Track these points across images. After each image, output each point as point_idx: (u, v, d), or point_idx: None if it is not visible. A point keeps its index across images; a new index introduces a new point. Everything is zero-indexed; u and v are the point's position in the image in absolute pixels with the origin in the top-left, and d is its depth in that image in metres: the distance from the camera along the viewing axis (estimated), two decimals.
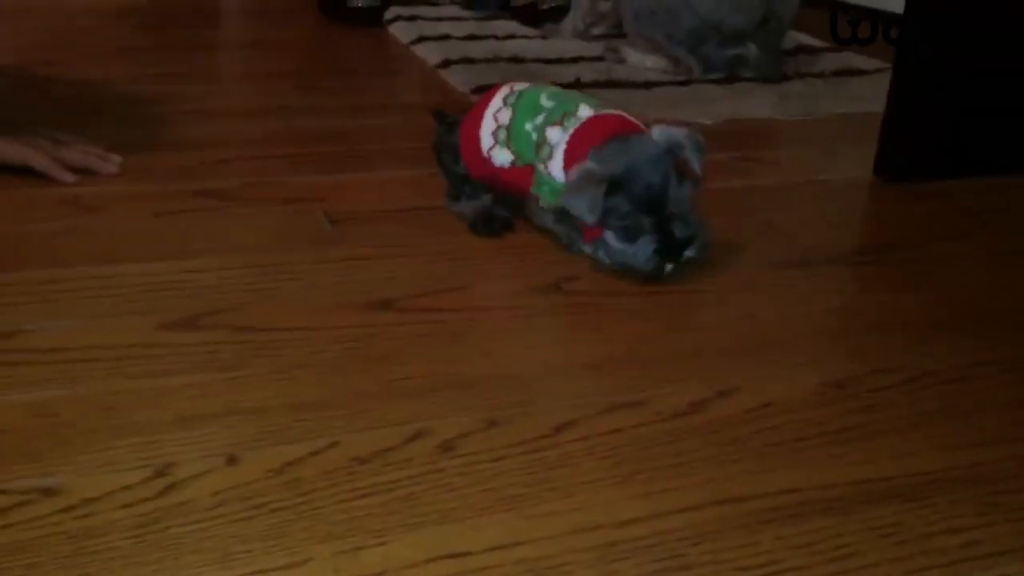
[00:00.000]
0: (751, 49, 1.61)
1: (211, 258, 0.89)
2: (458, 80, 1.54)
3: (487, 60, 1.65)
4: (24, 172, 1.03)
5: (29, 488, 0.58)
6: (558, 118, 0.91)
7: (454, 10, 2.07)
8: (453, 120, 1.02)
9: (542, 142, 0.91)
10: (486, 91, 1.00)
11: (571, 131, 0.90)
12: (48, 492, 0.58)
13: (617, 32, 1.85)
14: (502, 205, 0.99)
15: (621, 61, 1.68)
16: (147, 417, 0.65)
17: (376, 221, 1.01)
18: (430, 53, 1.71)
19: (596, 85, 1.53)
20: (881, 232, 1.09)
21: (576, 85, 1.52)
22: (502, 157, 0.94)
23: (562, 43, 1.81)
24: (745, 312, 0.86)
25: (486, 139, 0.95)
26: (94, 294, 0.82)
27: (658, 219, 0.85)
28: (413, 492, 0.59)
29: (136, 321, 0.78)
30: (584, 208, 0.84)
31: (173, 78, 1.55)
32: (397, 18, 1.95)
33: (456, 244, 0.95)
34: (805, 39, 1.87)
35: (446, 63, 1.63)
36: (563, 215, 0.90)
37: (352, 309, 0.82)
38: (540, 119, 0.92)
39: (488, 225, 0.97)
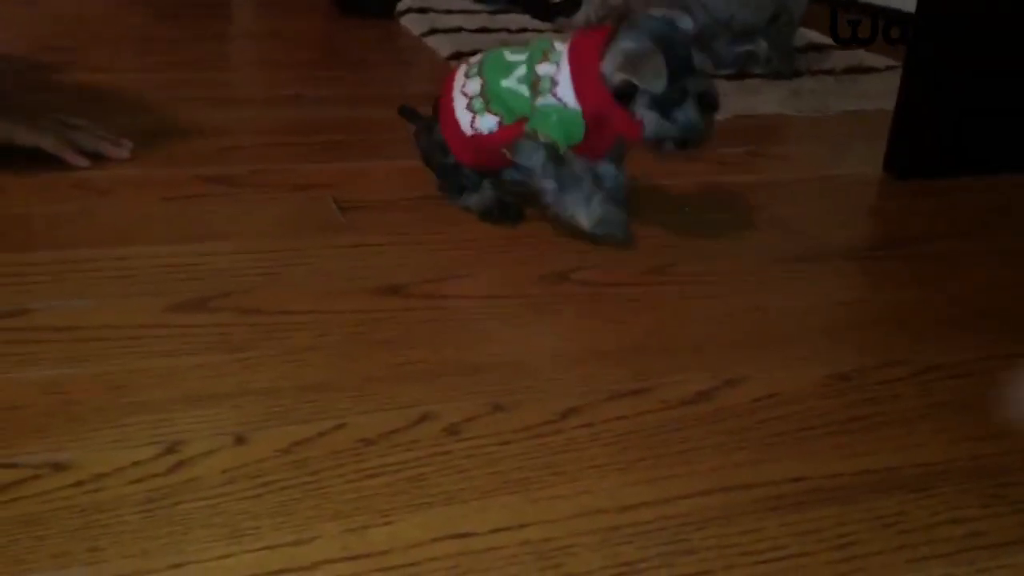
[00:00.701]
0: (762, 45, 1.61)
1: (221, 242, 0.90)
2: None
3: None
4: (37, 156, 1.04)
5: (40, 463, 0.58)
6: (539, 58, 0.91)
7: (466, 3, 2.07)
8: (429, 119, 1.00)
9: (535, 81, 0.91)
10: (448, 76, 0.99)
11: (564, 55, 0.90)
12: (59, 467, 0.58)
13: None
14: (508, 194, 0.99)
15: None
16: (157, 396, 0.66)
17: (386, 209, 1.01)
18: (441, 45, 1.71)
19: None
20: (890, 228, 1.09)
21: None
22: (487, 123, 0.93)
23: None
24: (753, 304, 0.86)
25: (464, 116, 0.94)
26: (105, 275, 0.83)
27: (690, 83, 0.88)
28: (419, 473, 0.60)
29: (147, 302, 0.78)
30: (652, 77, 0.85)
31: (184, 66, 1.55)
32: (409, 10, 1.95)
33: (465, 233, 0.96)
34: (816, 36, 1.87)
35: (457, 55, 1.63)
36: (553, 151, 0.90)
37: (361, 294, 0.82)
38: (520, 71, 0.92)
39: (504, 212, 0.98)
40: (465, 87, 0.94)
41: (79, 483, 0.57)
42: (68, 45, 1.62)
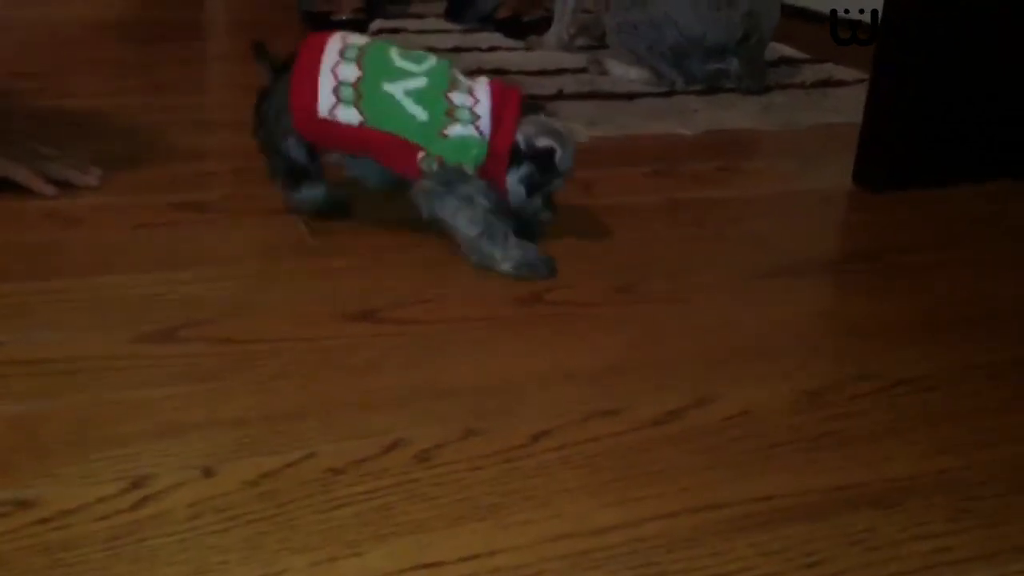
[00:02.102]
0: (733, 63, 1.62)
1: (191, 270, 0.89)
2: None
3: (470, 72, 1.65)
4: (4, 185, 1.03)
5: (5, 500, 0.58)
6: (446, 85, 0.91)
7: (439, 22, 2.08)
8: (278, 76, 0.95)
9: (450, 109, 0.90)
10: (312, 40, 0.94)
11: (485, 93, 0.92)
12: (24, 504, 0.58)
13: (599, 44, 1.86)
14: (338, 189, 1.00)
15: (604, 73, 1.69)
16: (125, 429, 0.65)
17: (357, 233, 1.01)
18: None
19: (579, 96, 1.54)
20: (860, 241, 1.10)
21: (559, 96, 1.53)
22: (349, 116, 0.91)
23: (545, 55, 1.82)
24: (725, 321, 0.87)
25: (326, 97, 0.91)
26: (75, 306, 0.82)
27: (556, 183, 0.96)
28: (388, 502, 0.60)
29: (116, 333, 0.78)
30: (569, 153, 0.94)
31: (157, 90, 1.55)
32: (381, 31, 1.96)
33: (437, 255, 0.96)
34: (787, 51, 1.89)
35: None
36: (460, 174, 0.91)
37: (332, 320, 0.82)
38: (412, 85, 0.90)
39: (334, 210, 1.00)
40: (338, 68, 0.90)
41: (44, 520, 0.57)
42: (37, 71, 1.61)
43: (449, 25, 2.05)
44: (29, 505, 0.58)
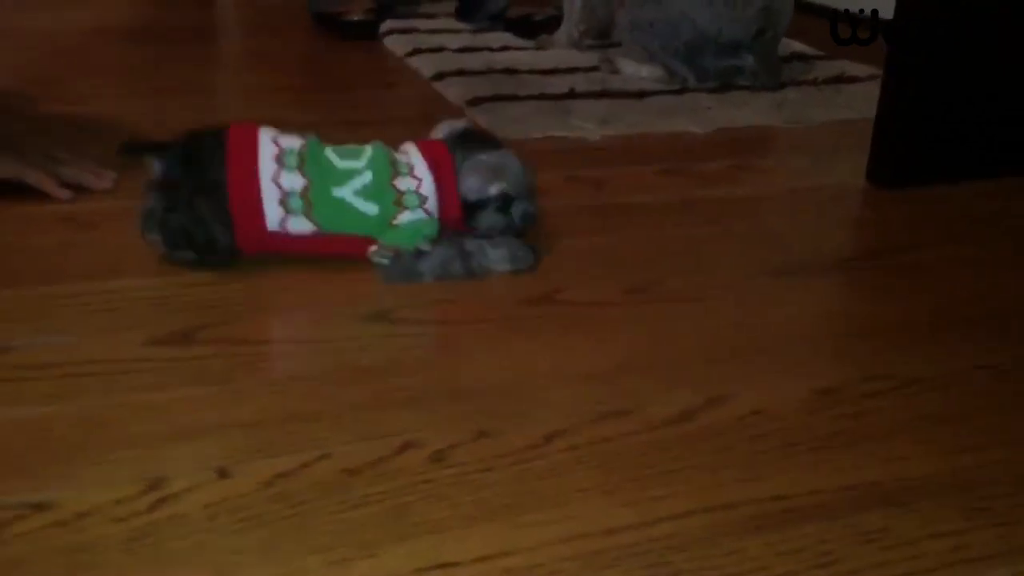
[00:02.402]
0: (748, 60, 1.62)
1: (204, 272, 0.90)
2: (452, 93, 1.55)
3: (481, 72, 1.65)
4: (20, 189, 1.04)
5: (22, 503, 0.58)
6: (389, 172, 0.89)
7: (450, 22, 2.08)
8: (186, 155, 0.88)
9: (398, 198, 0.88)
10: (238, 140, 0.87)
11: (421, 167, 0.90)
12: (41, 507, 0.58)
13: (607, 42, 1.86)
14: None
15: (616, 71, 1.69)
16: (140, 431, 0.66)
17: None
18: (424, 65, 1.72)
19: (590, 95, 1.54)
20: (873, 238, 1.10)
21: (570, 95, 1.53)
22: (301, 226, 0.87)
23: (557, 54, 1.82)
24: (737, 320, 0.87)
25: (273, 211, 0.86)
26: (89, 309, 0.83)
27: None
28: (403, 503, 0.60)
29: (130, 336, 0.78)
30: (519, 180, 0.93)
31: (168, 93, 1.56)
32: (392, 31, 1.96)
33: None
34: (799, 47, 1.88)
35: (440, 76, 1.64)
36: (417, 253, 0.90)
37: (345, 321, 0.83)
38: (358, 182, 0.88)
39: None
40: (280, 178, 0.86)
41: (62, 523, 0.57)
42: (50, 76, 1.62)
43: (459, 25, 2.05)
44: (46, 508, 0.58)
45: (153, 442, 0.65)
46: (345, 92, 1.64)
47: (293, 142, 0.89)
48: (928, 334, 0.85)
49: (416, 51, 1.81)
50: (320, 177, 0.87)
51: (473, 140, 0.95)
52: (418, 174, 0.90)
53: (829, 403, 0.74)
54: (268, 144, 0.88)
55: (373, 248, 0.89)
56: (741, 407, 0.72)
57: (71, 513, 0.58)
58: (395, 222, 0.88)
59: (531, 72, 1.67)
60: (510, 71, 1.67)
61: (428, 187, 0.89)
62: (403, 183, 0.89)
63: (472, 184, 0.91)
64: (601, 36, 1.90)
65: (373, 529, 0.58)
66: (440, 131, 0.97)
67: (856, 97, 1.59)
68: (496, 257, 0.91)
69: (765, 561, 0.57)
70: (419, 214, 0.89)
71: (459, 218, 0.92)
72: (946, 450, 0.68)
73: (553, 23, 1.93)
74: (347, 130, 1.38)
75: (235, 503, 0.59)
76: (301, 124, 1.40)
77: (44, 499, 0.59)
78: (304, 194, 0.86)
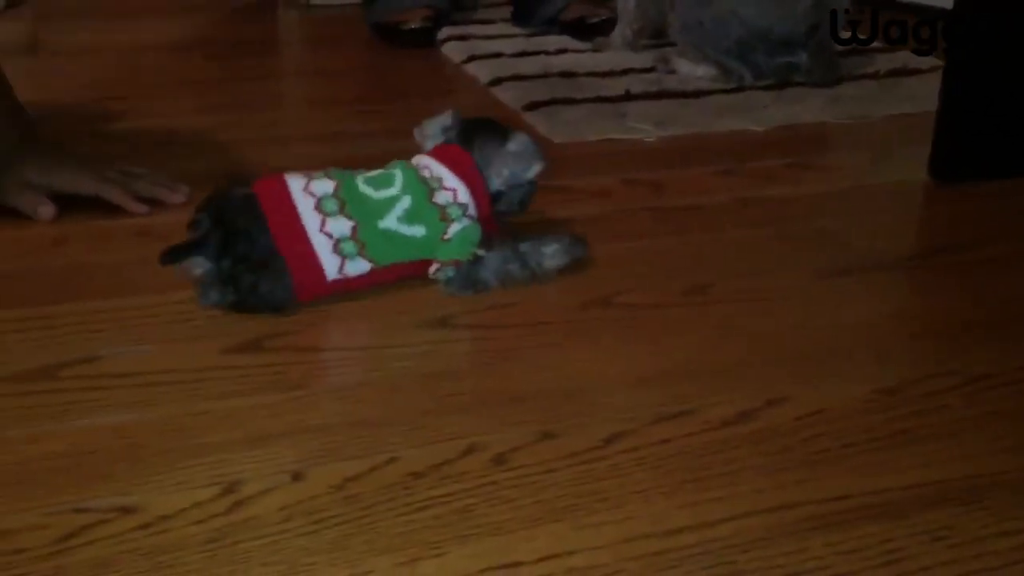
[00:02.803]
0: (802, 56, 1.60)
1: None
2: (509, 97, 1.57)
3: (538, 76, 1.67)
4: (97, 204, 1.08)
5: (108, 507, 0.62)
6: (424, 191, 0.88)
7: (506, 27, 2.09)
8: (219, 216, 0.85)
9: (443, 214, 0.88)
10: (271, 199, 0.85)
11: (451, 178, 0.90)
12: (126, 510, 0.61)
13: (663, 42, 1.86)
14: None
15: (672, 71, 1.69)
16: (217, 438, 0.69)
17: None
18: (481, 71, 1.74)
19: (646, 97, 1.55)
20: (935, 235, 1.09)
21: (626, 98, 1.54)
22: (359, 267, 0.86)
23: (612, 55, 1.82)
24: (796, 321, 0.87)
25: (330, 260, 0.85)
26: (166, 320, 0.86)
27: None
28: (467, 505, 0.62)
29: (205, 345, 0.81)
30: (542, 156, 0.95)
31: (235, 107, 1.60)
32: (449, 38, 1.99)
33: None
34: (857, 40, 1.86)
35: (497, 81, 1.66)
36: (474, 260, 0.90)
37: (406, 328, 0.85)
38: (399, 209, 0.87)
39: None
40: (327, 227, 0.84)
41: (145, 525, 0.60)
42: (125, 93, 1.68)
43: (515, 30, 2.07)
44: (130, 511, 0.61)
45: (229, 447, 0.68)
46: (403, 100, 1.67)
47: (326, 186, 0.87)
48: (992, 331, 0.84)
49: (473, 57, 1.83)
50: (364, 215, 0.86)
51: (473, 130, 0.95)
52: (450, 185, 0.90)
53: (891, 403, 0.73)
54: (302, 196, 0.86)
55: (434, 267, 0.90)
56: (800, 408, 0.72)
57: (154, 516, 0.61)
58: (446, 237, 0.88)
59: (588, 75, 1.68)
60: (567, 74, 1.68)
61: (464, 194, 0.90)
62: (441, 197, 0.89)
63: (510, 173, 0.93)
64: (656, 36, 1.90)
65: (439, 530, 0.60)
66: (430, 130, 0.97)
67: (918, 90, 1.56)
68: (551, 252, 0.92)
69: (828, 560, 0.57)
70: (464, 222, 0.89)
71: (490, 214, 0.93)
72: (1012, 447, 0.68)
73: (608, 25, 1.93)
74: (405, 138, 1.40)
75: (307, 505, 0.62)
76: (361, 134, 1.44)
77: (129, 503, 0.62)
78: (354, 236, 0.85)
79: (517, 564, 0.57)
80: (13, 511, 0.61)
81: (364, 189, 0.88)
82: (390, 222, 0.87)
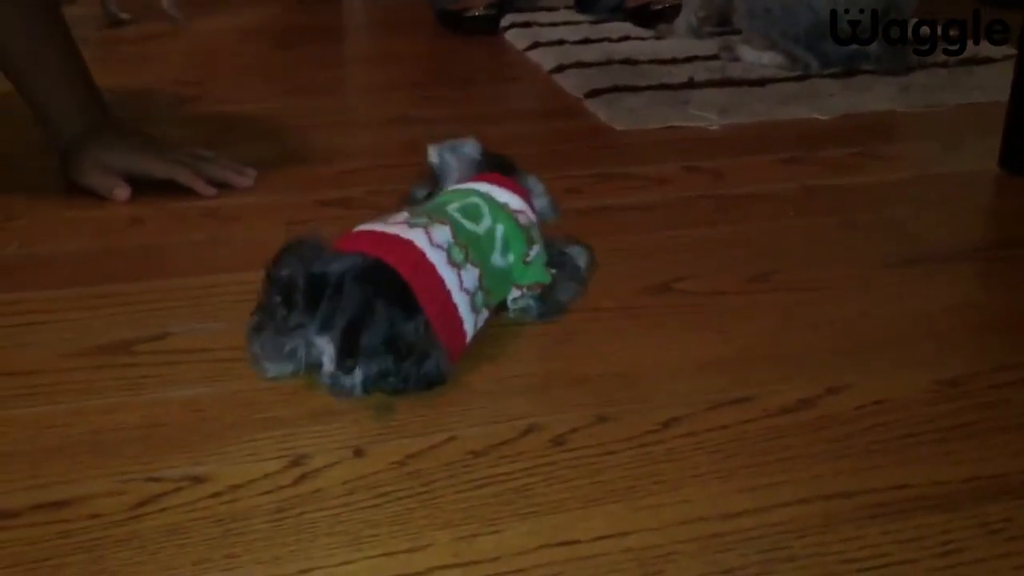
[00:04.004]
0: (872, 44, 1.58)
1: None
2: (572, 84, 1.57)
3: (600, 64, 1.67)
4: (170, 186, 1.12)
5: (182, 476, 0.64)
6: (509, 218, 0.82)
7: (569, 15, 2.10)
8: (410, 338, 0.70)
9: (529, 235, 0.83)
10: (416, 276, 0.72)
11: (517, 201, 0.86)
12: (198, 480, 0.64)
13: (728, 29, 1.84)
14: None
15: (736, 59, 1.67)
16: (283, 412, 0.71)
17: None
18: (544, 58, 1.74)
19: (710, 84, 1.54)
20: (1004, 227, 1.06)
21: (690, 85, 1.53)
22: (483, 318, 0.78)
23: (676, 43, 1.82)
24: (859, 311, 0.86)
25: (469, 319, 0.75)
26: (236, 299, 0.89)
27: None
28: (526, 483, 0.63)
29: None
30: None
31: (301, 93, 1.63)
32: (512, 25, 2.00)
33: None
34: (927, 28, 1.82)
35: (560, 68, 1.66)
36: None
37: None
38: (500, 238, 0.80)
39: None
40: (465, 284, 0.74)
41: (216, 494, 0.62)
42: (196, 79, 1.73)
43: (579, 17, 2.07)
44: (202, 480, 0.64)
45: (295, 422, 0.70)
46: (466, 87, 1.69)
47: (445, 233, 0.76)
48: None
49: (536, 44, 1.84)
50: (484, 258, 0.78)
51: (500, 164, 0.90)
52: (516, 207, 0.85)
53: (954, 394, 0.73)
54: (434, 249, 0.74)
55: (515, 296, 0.82)
56: (861, 397, 0.72)
57: (224, 486, 0.63)
58: (528, 260, 0.82)
59: (650, 62, 1.68)
60: (629, 61, 1.68)
61: (530, 213, 0.87)
62: (524, 219, 0.84)
63: (547, 205, 0.91)
64: (721, 23, 1.88)
65: (497, 507, 0.61)
66: (450, 165, 0.89)
67: (989, 79, 1.53)
68: (583, 262, 0.90)
69: (884, 549, 0.57)
70: (541, 241, 0.84)
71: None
72: None
73: (672, 12, 1.92)
74: (468, 125, 1.42)
75: (370, 480, 0.64)
76: (425, 119, 1.46)
77: (200, 472, 0.64)
78: (481, 284, 0.76)
79: (574, 542, 0.58)
80: (89, 478, 0.64)
81: (468, 226, 0.79)
82: (496, 258, 0.79)
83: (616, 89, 1.51)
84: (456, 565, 0.56)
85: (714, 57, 1.70)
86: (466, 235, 0.77)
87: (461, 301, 0.74)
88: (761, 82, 1.55)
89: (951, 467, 0.64)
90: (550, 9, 2.15)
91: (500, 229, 0.81)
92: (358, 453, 0.66)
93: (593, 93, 1.50)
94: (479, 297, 0.76)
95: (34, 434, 0.69)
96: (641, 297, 0.89)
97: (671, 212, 1.07)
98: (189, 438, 0.68)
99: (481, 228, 0.79)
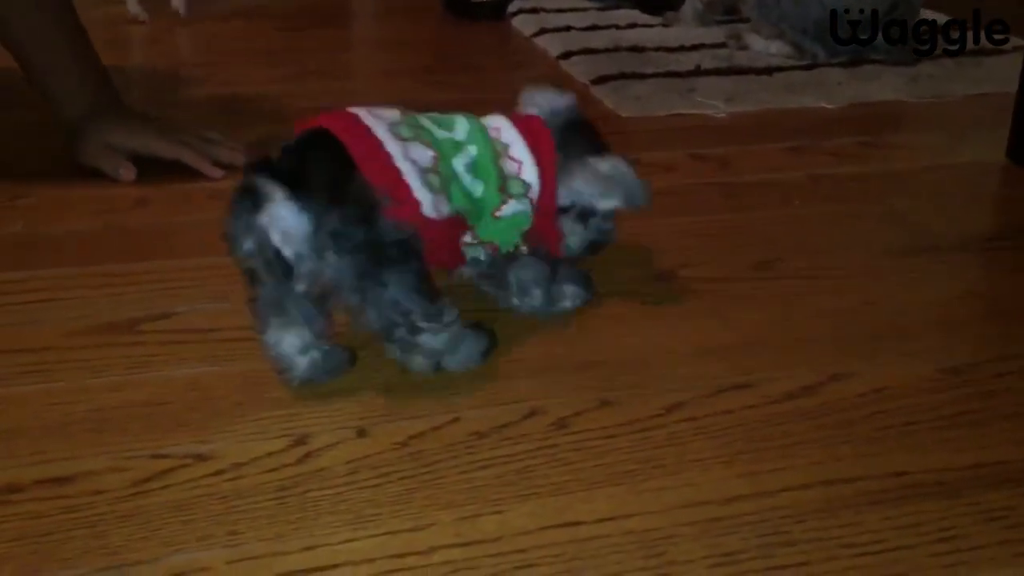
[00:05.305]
0: (880, 37, 1.57)
1: None
2: (578, 71, 1.57)
3: (608, 50, 1.67)
4: (176, 167, 1.12)
5: (186, 453, 0.64)
6: (491, 149, 0.76)
7: (577, 1, 2.09)
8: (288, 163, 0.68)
9: (503, 182, 0.76)
10: (345, 129, 0.70)
11: (525, 151, 0.77)
12: (202, 457, 0.64)
13: (731, 18, 1.83)
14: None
15: (744, 48, 1.67)
16: (287, 393, 0.71)
17: None
18: (551, 45, 1.74)
19: (717, 72, 1.54)
20: (1010, 218, 1.06)
21: (696, 72, 1.53)
22: (443, 209, 0.72)
23: (684, 31, 1.81)
24: (863, 299, 0.86)
25: (424, 194, 0.70)
26: (240, 279, 0.89)
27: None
28: (528, 465, 0.63)
29: None
30: (642, 196, 0.78)
31: (308, 77, 1.63)
32: (520, 11, 1.99)
33: None
34: (937, 17, 1.81)
35: (567, 54, 1.66)
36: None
37: (473, 293, 0.86)
38: (466, 157, 0.74)
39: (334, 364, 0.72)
40: (412, 153, 0.70)
41: (220, 472, 0.63)
42: (203, 60, 1.73)
43: (586, 3, 2.06)
44: (206, 458, 0.64)
45: (299, 402, 0.70)
46: (473, 73, 1.68)
47: (394, 115, 0.73)
48: None
49: (543, 31, 1.83)
50: (444, 149, 0.73)
51: (579, 132, 0.81)
52: (517, 155, 0.77)
53: (957, 383, 0.73)
54: (374, 120, 0.71)
55: (467, 239, 0.77)
56: (863, 384, 0.72)
57: (228, 463, 0.64)
58: (498, 213, 0.76)
59: (657, 49, 1.67)
60: (636, 49, 1.68)
61: (531, 172, 0.77)
62: (506, 165, 0.76)
63: (580, 189, 0.78)
64: (728, 12, 1.88)
65: (500, 488, 0.61)
66: (535, 104, 0.82)
67: (997, 70, 1.52)
68: (571, 294, 0.82)
69: (883, 535, 0.57)
70: (523, 204, 0.77)
71: (553, 214, 0.79)
72: None
73: (679, 0, 1.91)
74: (475, 110, 1.41)
75: (372, 460, 0.64)
76: (431, 104, 1.45)
77: (205, 450, 0.65)
78: (435, 168, 0.71)
79: (576, 523, 0.58)
80: (94, 455, 0.64)
81: (426, 123, 0.74)
82: (458, 166, 0.73)
83: (623, 76, 1.50)
84: (458, 545, 0.57)
85: (721, 45, 1.69)
86: (430, 132, 0.73)
87: (408, 170, 0.69)
88: (768, 70, 1.54)
89: (952, 455, 0.64)
90: None
91: (472, 150, 0.75)
92: (361, 433, 0.67)
93: (600, 80, 1.49)
94: (434, 179, 0.70)
95: (39, 411, 0.69)
96: (645, 283, 0.89)
97: (677, 199, 1.07)
98: (193, 416, 0.69)
99: (443, 135, 0.74)
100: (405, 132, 0.71)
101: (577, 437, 0.66)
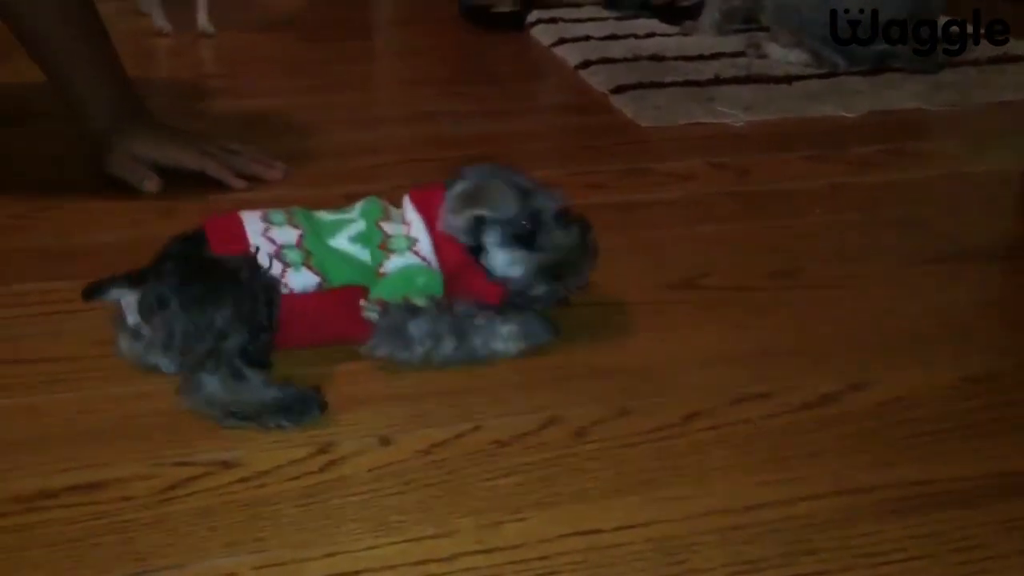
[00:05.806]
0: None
1: None
2: (597, 81, 1.58)
3: (627, 60, 1.67)
4: (200, 178, 1.13)
5: (211, 461, 0.65)
6: (379, 215, 0.78)
7: (595, 10, 2.10)
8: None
9: (384, 241, 0.76)
10: (215, 222, 0.77)
11: (412, 211, 0.78)
12: (227, 465, 0.65)
13: (750, 26, 1.84)
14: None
15: (763, 56, 1.67)
16: None
17: None
18: (570, 54, 1.75)
19: (736, 81, 1.54)
20: None
21: (715, 82, 1.53)
22: (303, 280, 0.74)
23: (702, 39, 1.81)
24: (883, 307, 0.86)
25: (274, 265, 0.74)
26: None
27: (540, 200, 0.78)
28: (549, 473, 0.64)
29: None
30: (499, 201, 0.76)
31: (329, 88, 1.64)
32: (539, 21, 2.00)
33: None
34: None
35: (586, 64, 1.66)
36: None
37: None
38: (352, 229, 0.77)
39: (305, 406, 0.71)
40: (271, 232, 0.75)
41: (245, 479, 0.64)
42: (224, 72, 1.74)
43: (605, 13, 2.07)
44: (231, 465, 0.65)
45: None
46: (492, 83, 1.69)
47: (278, 214, 0.78)
48: None
49: (562, 40, 1.84)
50: (312, 228, 0.77)
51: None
52: (408, 218, 0.78)
53: (978, 391, 0.73)
54: (249, 213, 0.78)
55: (362, 302, 0.76)
56: (884, 393, 0.72)
57: (253, 471, 0.64)
58: (382, 270, 0.76)
59: (676, 59, 1.68)
60: (656, 58, 1.68)
61: (420, 230, 0.77)
62: (391, 227, 0.77)
63: (451, 221, 0.77)
64: (747, 21, 1.88)
65: (521, 496, 0.62)
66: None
67: (1020, 78, 1.52)
68: (506, 334, 0.77)
69: (903, 544, 0.57)
70: (409, 258, 0.76)
71: (465, 264, 0.77)
72: None
73: (698, 9, 1.92)
74: (493, 121, 1.43)
75: (395, 468, 0.65)
76: (451, 114, 1.47)
77: (229, 458, 0.66)
78: (300, 244, 0.75)
79: (596, 531, 0.59)
80: (120, 461, 0.66)
81: (318, 214, 0.79)
82: (340, 241, 0.77)
83: (642, 85, 1.51)
84: (480, 551, 0.57)
85: (740, 54, 1.69)
86: (304, 215, 0.79)
87: (261, 244, 0.75)
88: (787, 79, 1.54)
89: (973, 464, 0.64)
90: (576, 5, 2.15)
91: (361, 224, 0.78)
92: (384, 441, 0.67)
93: (619, 89, 1.50)
94: (291, 253, 0.75)
95: (70, 419, 0.71)
96: (665, 292, 0.89)
97: (696, 208, 1.07)
98: (219, 425, 0.69)
99: (333, 217, 0.79)
100: (275, 219, 0.78)
101: (597, 446, 0.67)
